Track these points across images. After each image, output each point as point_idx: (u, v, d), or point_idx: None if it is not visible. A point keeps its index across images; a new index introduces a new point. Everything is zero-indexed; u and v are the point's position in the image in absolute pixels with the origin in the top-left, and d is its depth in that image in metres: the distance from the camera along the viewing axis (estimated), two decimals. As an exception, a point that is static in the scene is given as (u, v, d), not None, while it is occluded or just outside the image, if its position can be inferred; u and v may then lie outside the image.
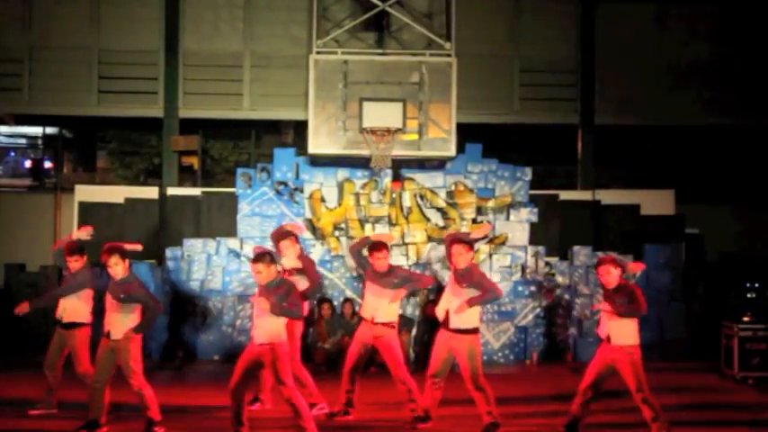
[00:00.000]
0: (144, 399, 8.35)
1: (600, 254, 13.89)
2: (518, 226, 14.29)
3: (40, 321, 13.24)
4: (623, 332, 8.26)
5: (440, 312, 8.84)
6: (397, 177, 14.25)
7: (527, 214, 14.34)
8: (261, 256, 8.03)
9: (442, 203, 14.27)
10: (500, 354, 13.82)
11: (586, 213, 14.71)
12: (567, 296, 14.13)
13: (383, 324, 9.14)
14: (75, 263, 9.24)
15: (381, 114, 13.01)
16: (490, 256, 14.11)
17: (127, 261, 8.53)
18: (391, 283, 9.17)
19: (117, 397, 8.62)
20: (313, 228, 14.15)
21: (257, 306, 7.95)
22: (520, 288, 14.08)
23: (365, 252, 9.51)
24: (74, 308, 9.20)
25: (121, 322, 8.31)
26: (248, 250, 13.98)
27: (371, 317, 9.18)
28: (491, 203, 14.32)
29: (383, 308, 9.15)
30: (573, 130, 16.20)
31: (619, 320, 8.28)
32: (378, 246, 9.32)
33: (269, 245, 13.94)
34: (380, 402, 9.85)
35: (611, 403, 9.45)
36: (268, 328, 7.93)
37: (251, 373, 8.17)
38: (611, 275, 8.39)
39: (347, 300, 13.49)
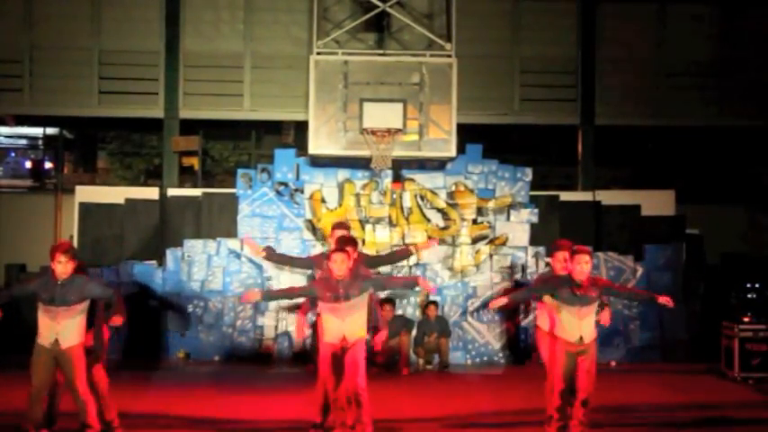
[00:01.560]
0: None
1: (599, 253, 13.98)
2: (518, 226, 14.27)
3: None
4: (592, 330, 8.04)
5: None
6: (397, 178, 14.24)
7: (527, 215, 14.33)
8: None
9: (442, 204, 14.26)
10: (501, 354, 13.84)
11: (587, 214, 14.68)
12: (567, 297, 14.10)
13: None
14: None
15: (382, 115, 13.02)
16: (491, 256, 14.11)
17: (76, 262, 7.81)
18: None
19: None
20: (313, 228, 14.16)
21: (345, 306, 7.80)
22: (520, 289, 14.09)
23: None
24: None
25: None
26: (248, 251, 13.99)
27: None
28: (491, 204, 14.32)
29: None
30: (573, 131, 16.19)
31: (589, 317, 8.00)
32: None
33: (270, 245, 14.02)
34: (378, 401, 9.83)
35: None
36: (360, 322, 7.91)
37: (340, 369, 7.99)
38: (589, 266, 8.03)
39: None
